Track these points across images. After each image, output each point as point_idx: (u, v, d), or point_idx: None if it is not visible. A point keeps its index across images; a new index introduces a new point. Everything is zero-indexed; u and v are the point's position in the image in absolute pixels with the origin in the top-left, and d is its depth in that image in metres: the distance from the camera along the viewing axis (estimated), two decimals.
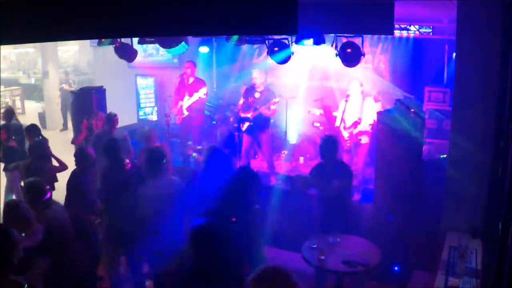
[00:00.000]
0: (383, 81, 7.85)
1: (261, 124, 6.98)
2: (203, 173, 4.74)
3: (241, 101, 7.14)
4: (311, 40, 5.74)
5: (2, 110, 7.52)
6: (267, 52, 6.12)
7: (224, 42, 6.65)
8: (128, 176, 4.47)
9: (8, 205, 3.69)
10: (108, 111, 7.37)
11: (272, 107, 6.86)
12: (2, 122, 7.00)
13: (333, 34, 5.66)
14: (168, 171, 5.05)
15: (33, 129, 6.19)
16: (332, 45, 5.71)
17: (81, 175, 4.78)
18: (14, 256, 2.90)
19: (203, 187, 4.58)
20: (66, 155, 6.29)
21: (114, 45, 6.64)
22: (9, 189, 6.55)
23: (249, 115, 6.97)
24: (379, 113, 5.89)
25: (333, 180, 4.74)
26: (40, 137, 6.18)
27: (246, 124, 7.00)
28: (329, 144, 4.96)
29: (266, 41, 6.07)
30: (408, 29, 7.50)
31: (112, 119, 6.23)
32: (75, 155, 4.93)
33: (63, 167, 5.72)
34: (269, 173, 6.96)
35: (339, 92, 7.89)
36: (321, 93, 8.07)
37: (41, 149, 5.54)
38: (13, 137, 6.70)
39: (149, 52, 9.72)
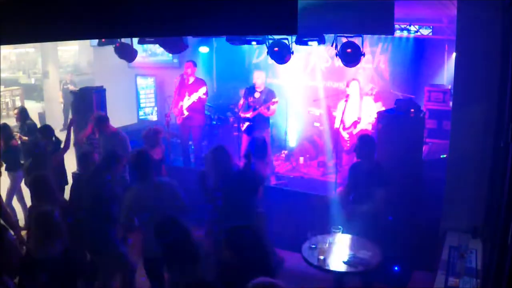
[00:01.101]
0: (383, 81, 7.85)
1: (261, 124, 6.97)
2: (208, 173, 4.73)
3: (241, 101, 7.14)
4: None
5: (15, 111, 7.54)
6: (267, 52, 6.12)
7: (224, 42, 6.64)
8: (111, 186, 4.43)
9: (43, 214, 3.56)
10: (108, 111, 7.37)
11: (272, 107, 6.86)
12: (8, 122, 7.02)
13: (333, 34, 5.66)
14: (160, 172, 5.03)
15: (47, 130, 6.23)
16: (332, 45, 5.71)
17: (83, 179, 4.78)
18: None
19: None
20: (66, 155, 6.32)
21: (114, 45, 6.63)
22: (11, 189, 6.55)
23: (248, 115, 6.97)
24: (379, 113, 5.89)
25: (370, 184, 4.57)
26: (54, 138, 6.24)
27: (246, 124, 7.01)
28: (366, 142, 4.83)
29: (266, 41, 6.07)
30: (408, 29, 7.49)
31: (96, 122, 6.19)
32: (79, 159, 4.93)
33: (66, 147, 6.02)
34: (269, 173, 6.96)
35: (339, 92, 7.89)
36: (321, 93, 8.07)
37: (38, 149, 5.56)
38: (24, 137, 6.81)
39: (151, 52, 9.71)
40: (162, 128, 6.15)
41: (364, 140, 4.90)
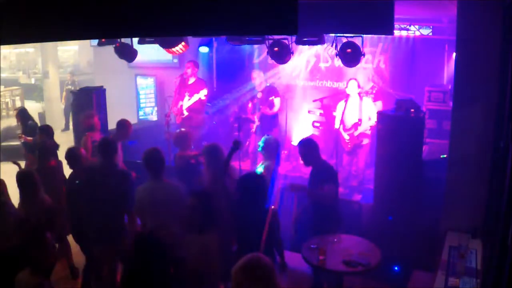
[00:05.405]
0: (383, 81, 7.85)
1: (268, 124, 7.02)
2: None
3: (249, 105, 7.22)
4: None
5: (15, 112, 7.56)
6: (267, 52, 6.12)
7: (224, 42, 6.64)
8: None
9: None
10: (108, 111, 7.36)
11: (276, 103, 6.85)
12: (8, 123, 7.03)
13: (333, 34, 5.66)
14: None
15: (46, 130, 6.19)
16: (332, 45, 5.70)
17: (76, 177, 4.71)
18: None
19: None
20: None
21: (114, 45, 6.63)
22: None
23: (255, 117, 7.04)
24: (379, 113, 5.89)
25: (319, 185, 4.51)
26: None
27: (255, 125, 7.06)
28: (307, 148, 4.68)
29: (266, 41, 6.06)
30: (408, 29, 7.49)
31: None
32: (65, 158, 4.84)
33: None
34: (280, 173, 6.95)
35: (339, 92, 7.89)
36: (321, 93, 8.07)
37: (43, 151, 5.54)
38: (28, 137, 6.87)
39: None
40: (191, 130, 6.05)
41: (304, 146, 4.69)
